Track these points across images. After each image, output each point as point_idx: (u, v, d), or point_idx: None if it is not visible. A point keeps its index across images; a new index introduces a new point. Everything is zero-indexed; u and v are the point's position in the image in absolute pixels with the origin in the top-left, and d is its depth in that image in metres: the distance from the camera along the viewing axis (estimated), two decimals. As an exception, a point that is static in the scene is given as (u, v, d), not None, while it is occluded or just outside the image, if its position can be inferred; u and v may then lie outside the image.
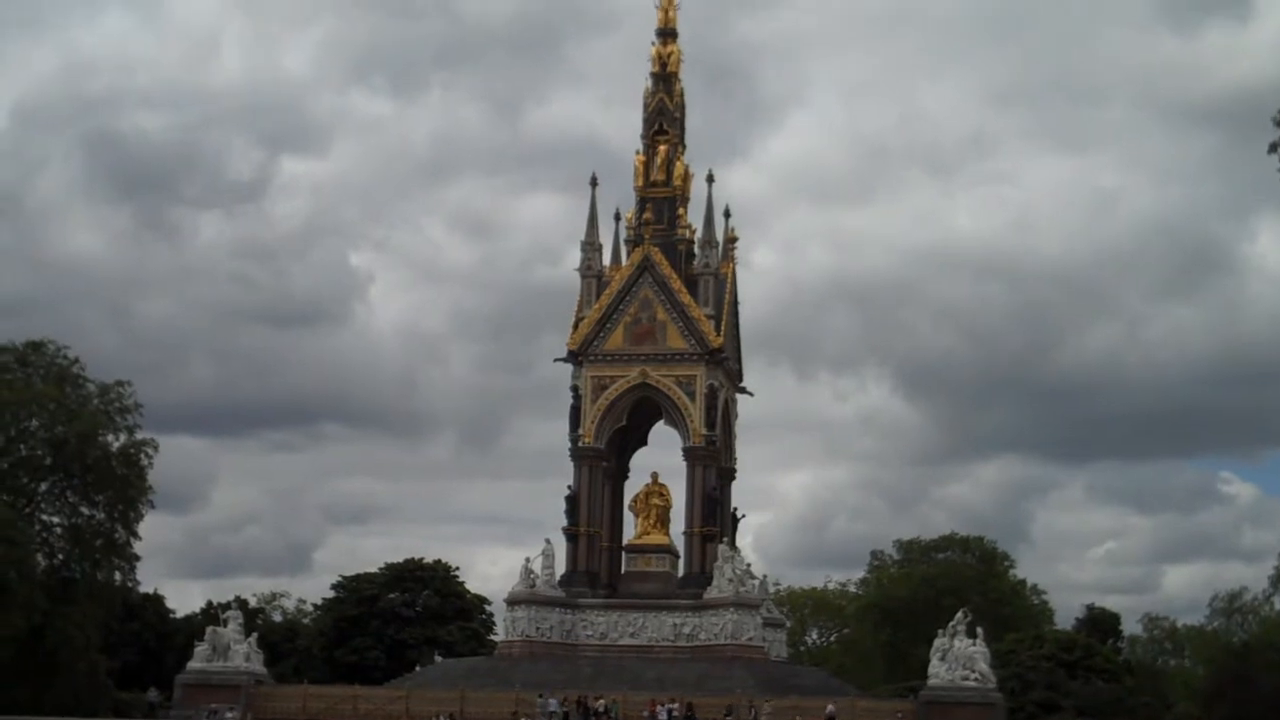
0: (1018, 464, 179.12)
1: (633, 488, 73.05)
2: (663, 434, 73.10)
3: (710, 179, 71.26)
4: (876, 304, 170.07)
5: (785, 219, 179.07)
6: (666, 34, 73.05)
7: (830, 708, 55.17)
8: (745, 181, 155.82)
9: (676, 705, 55.36)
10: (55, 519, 73.20)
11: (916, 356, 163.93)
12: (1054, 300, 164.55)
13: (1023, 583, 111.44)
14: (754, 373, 76.54)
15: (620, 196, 72.89)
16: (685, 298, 68.97)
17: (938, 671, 57.36)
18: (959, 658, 57.40)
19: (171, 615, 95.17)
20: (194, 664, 63.51)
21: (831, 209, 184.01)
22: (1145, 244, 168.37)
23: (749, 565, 69.06)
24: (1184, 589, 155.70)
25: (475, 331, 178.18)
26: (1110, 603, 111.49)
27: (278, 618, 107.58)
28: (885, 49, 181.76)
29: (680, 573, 69.77)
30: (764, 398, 79.75)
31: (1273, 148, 30.57)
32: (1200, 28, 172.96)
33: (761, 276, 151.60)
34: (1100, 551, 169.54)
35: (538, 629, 66.52)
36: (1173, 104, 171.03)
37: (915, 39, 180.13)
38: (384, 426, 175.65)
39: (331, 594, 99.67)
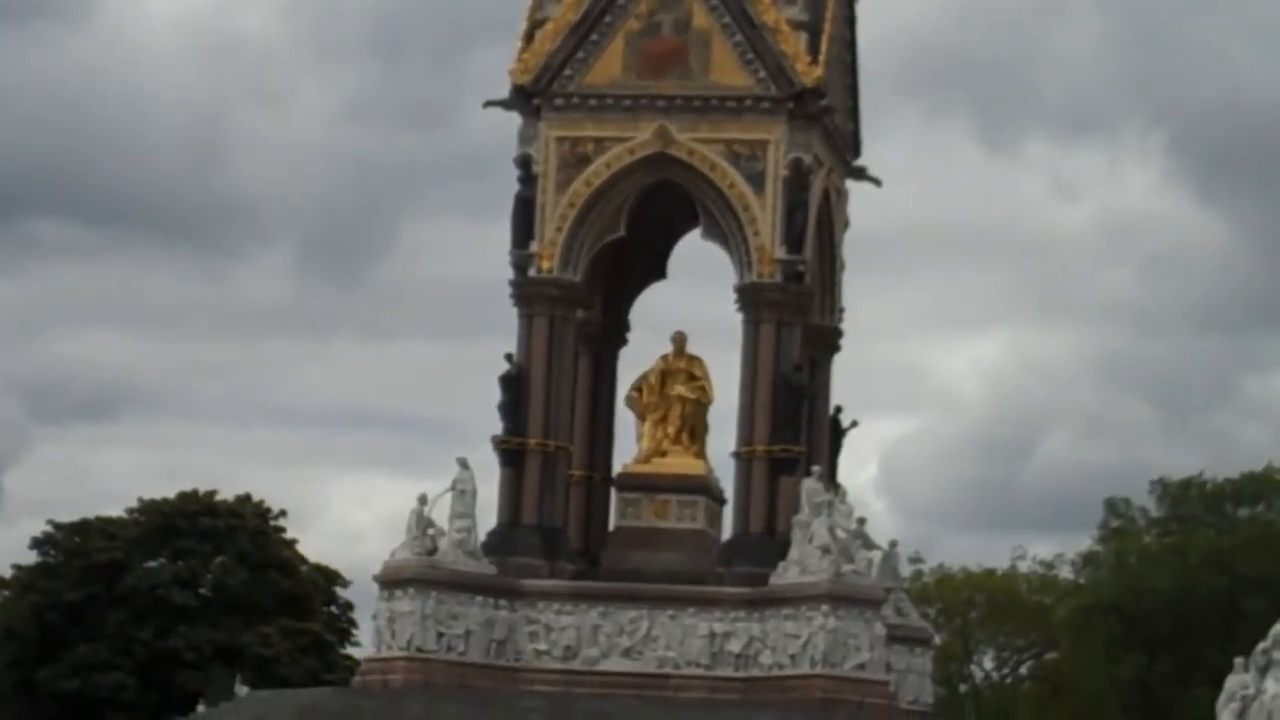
0: None
1: (634, 363, 48.20)
2: (697, 256, 47.85)
3: None
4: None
5: None
6: None
7: None
8: None
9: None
10: None
11: (1220, 107, 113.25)
12: None
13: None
14: (890, 138, 52.22)
15: None
16: (748, -11, 44.07)
17: (1233, 741, 41.55)
18: (1273, 713, 36.92)
19: None
20: None
21: None
22: None
23: (863, 520, 44.61)
24: None
25: (339, 51, 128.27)
26: None
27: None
28: None
29: (725, 533, 45.79)
30: (915, 190, 54.51)
31: None
32: None
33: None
34: None
35: (441, 635, 43.03)
36: None
37: None
38: (151, 228, 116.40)
39: (34, 556, 68.99)
